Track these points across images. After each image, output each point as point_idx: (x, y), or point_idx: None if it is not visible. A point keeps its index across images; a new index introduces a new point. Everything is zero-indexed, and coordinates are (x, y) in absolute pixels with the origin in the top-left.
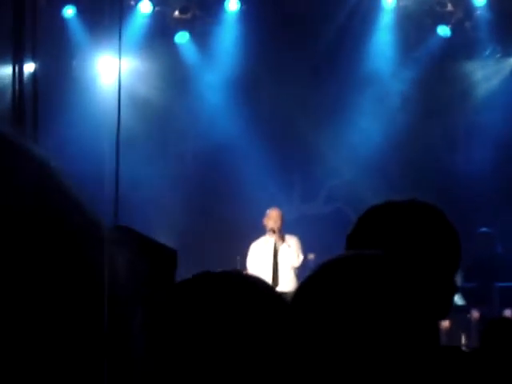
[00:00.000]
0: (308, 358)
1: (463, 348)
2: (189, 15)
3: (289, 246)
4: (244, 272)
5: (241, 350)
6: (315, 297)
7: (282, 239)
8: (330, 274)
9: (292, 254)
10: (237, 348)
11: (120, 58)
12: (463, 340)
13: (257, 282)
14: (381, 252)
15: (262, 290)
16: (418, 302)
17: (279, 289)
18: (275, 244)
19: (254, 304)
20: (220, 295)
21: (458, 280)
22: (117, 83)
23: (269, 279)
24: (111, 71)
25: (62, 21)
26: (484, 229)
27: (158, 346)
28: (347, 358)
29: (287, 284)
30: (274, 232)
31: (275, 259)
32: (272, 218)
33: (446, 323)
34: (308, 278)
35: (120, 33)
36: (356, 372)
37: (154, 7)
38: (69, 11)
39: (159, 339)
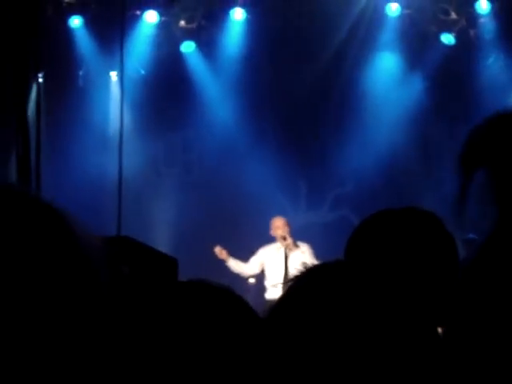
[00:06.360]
0: (284, 372)
1: None
2: (194, 25)
3: (302, 252)
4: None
5: (210, 361)
6: (294, 309)
7: (296, 245)
8: (309, 285)
9: (306, 260)
10: (207, 358)
11: (122, 69)
12: None
13: (227, 292)
14: (366, 261)
15: (234, 301)
16: (405, 313)
17: None
18: (287, 250)
19: (223, 314)
20: (190, 305)
21: None
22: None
23: (279, 286)
24: (117, 81)
25: (69, 31)
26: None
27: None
28: (325, 369)
29: None
30: (284, 239)
31: (286, 265)
32: (279, 226)
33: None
34: (288, 289)
35: (122, 43)
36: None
37: (159, 17)
38: (75, 21)
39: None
